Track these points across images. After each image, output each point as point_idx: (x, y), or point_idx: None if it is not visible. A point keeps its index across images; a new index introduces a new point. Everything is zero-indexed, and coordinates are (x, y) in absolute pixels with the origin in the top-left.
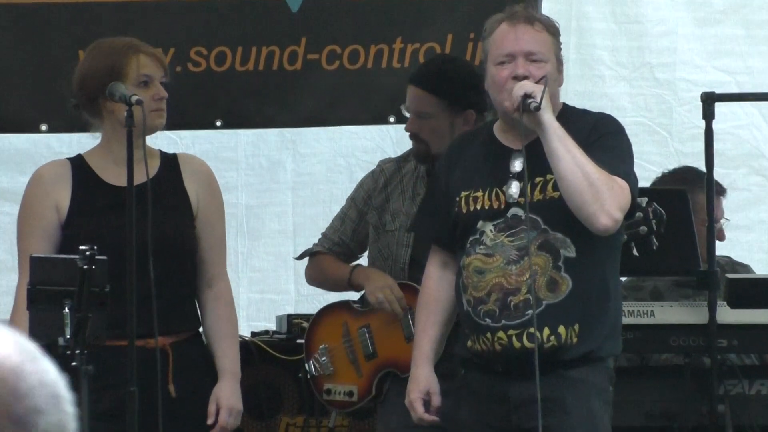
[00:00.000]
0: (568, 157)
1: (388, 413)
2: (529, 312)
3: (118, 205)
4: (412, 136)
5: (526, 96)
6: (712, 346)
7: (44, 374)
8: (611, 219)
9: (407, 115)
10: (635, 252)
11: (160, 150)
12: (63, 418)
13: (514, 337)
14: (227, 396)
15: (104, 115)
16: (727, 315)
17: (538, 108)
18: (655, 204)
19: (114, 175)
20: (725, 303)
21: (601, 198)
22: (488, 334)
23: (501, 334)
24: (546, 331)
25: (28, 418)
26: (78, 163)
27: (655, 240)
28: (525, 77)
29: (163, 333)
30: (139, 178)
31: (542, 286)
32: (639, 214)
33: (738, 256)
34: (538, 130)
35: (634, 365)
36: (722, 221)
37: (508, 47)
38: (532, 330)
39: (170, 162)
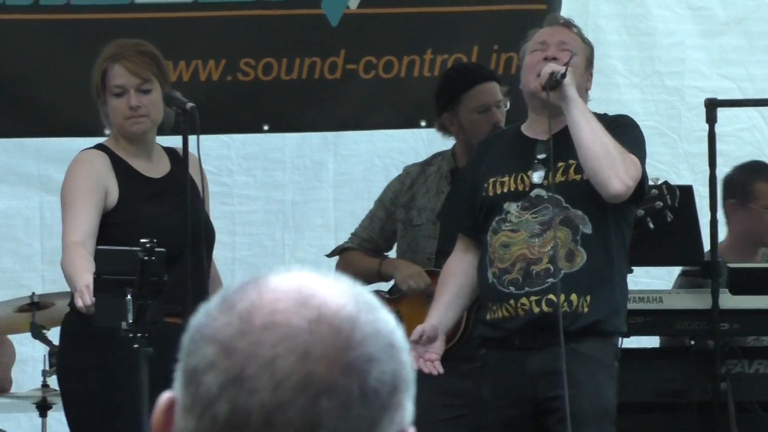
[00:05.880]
0: (588, 127)
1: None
2: (550, 280)
3: (156, 195)
4: (498, 130)
5: (553, 73)
6: (715, 330)
7: (380, 323)
8: (624, 185)
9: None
10: (651, 225)
11: (161, 145)
12: (398, 367)
13: (534, 303)
14: None
15: (106, 115)
16: (729, 301)
17: (564, 75)
18: (668, 180)
19: (142, 167)
20: (727, 290)
21: (616, 165)
22: (512, 301)
23: (524, 300)
24: (561, 297)
25: (361, 366)
26: (111, 154)
27: (669, 213)
28: (554, 59)
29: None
30: (161, 171)
31: (562, 257)
32: (654, 191)
33: None
34: (562, 104)
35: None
36: None
37: (543, 37)
38: (550, 296)
39: (177, 157)
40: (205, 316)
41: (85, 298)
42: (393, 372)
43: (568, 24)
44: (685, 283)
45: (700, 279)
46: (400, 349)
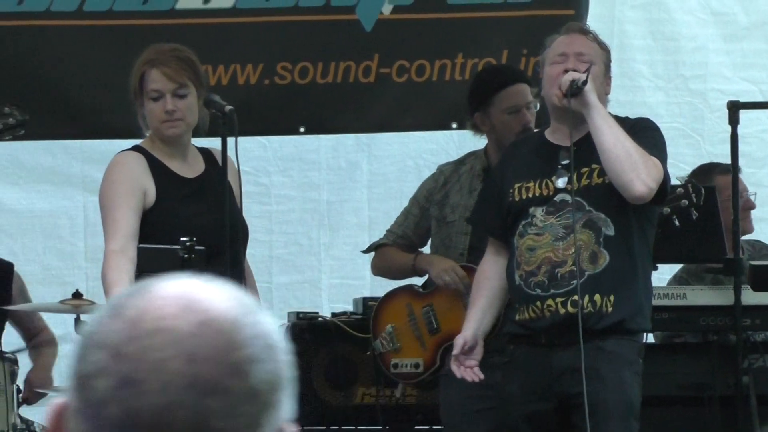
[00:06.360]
0: (610, 132)
1: (448, 384)
2: (575, 282)
3: (191, 194)
4: (528, 130)
5: (574, 81)
6: (737, 325)
7: (260, 326)
8: (646, 187)
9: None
10: (677, 223)
11: (195, 146)
12: (277, 367)
13: (559, 304)
14: None
15: (143, 117)
16: (751, 297)
17: (585, 83)
18: (693, 180)
19: (177, 167)
20: (749, 287)
21: (638, 168)
22: (538, 303)
23: (550, 301)
24: (585, 298)
25: (244, 367)
26: (147, 155)
27: (695, 212)
28: (574, 71)
29: None
30: (195, 171)
31: (585, 259)
32: (680, 190)
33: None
34: (584, 110)
35: (667, 342)
36: (748, 194)
37: (561, 48)
38: (575, 297)
39: (210, 157)
40: (95, 323)
41: None
42: (273, 372)
43: (584, 31)
44: (684, 274)
45: (702, 272)
46: (279, 349)
